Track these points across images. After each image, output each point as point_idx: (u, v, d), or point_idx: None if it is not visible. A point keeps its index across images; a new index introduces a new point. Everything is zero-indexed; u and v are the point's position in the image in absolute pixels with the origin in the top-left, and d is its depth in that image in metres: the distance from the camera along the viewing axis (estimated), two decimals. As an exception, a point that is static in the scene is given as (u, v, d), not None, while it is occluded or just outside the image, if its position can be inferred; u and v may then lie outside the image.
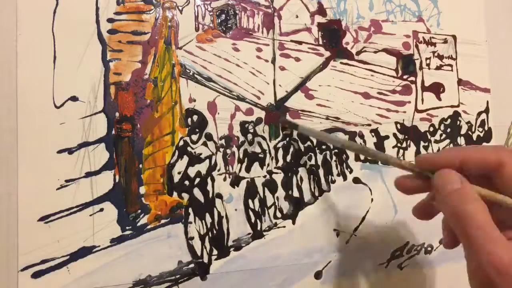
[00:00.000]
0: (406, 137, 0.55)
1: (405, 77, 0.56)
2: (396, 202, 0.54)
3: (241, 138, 0.48)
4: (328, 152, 0.51)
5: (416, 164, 0.36)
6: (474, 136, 0.59)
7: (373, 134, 0.54)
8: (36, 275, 0.40)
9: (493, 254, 0.28)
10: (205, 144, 0.46)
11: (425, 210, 0.39)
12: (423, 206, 0.39)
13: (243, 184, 0.48)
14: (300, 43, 0.52)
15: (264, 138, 0.49)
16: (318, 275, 0.50)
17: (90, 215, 0.42)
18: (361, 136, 0.53)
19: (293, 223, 0.49)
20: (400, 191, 0.38)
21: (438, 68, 0.58)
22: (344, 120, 0.53)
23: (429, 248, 0.55)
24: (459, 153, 0.33)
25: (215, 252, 0.46)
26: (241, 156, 0.48)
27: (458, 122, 0.59)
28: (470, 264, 0.32)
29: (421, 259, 0.55)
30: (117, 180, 0.43)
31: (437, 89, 0.58)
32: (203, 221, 0.46)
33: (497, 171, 0.31)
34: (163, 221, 0.44)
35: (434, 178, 0.33)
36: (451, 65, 0.59)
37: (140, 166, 0.44)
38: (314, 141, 0.51)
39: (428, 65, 0.58)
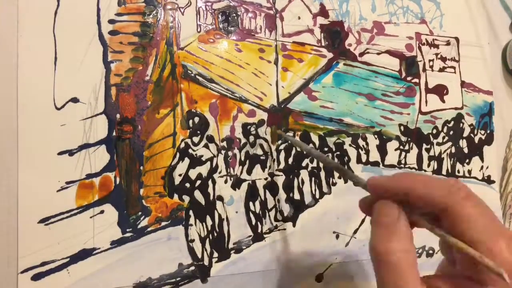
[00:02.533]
0: (409, 139, 0.55)
1: (408, 78, 0.56)
2: (396, 205, 0.54)
3: (243, 140, 0.48)
4: (330, 155, 0.51)
5: (368, 187, 0.32)
6: (476, 139, 0.59)
7: (376, 136, 0.53)
8: (36, 277, 0.40)
9: None
10: (206, 146, 0.46)
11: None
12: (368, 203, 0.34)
13: (244, 186, 0.47)
14: (302, 44, 0.51)
15: (266, 140, 0.48)
16: (319, 278, 0.50)
17: (91, 217, 0.42)
18: (364, 139, 0.53)
19: (294, 225, 0.49)
20: (361, 209, 0.35)
21: (441, 70, 0.58)
22: (347, 122, 0.52)
23: (430, 251, 0.55)
24: (407, 185, 0.29)
25: (215, 254, 0.46)
26: (242, 158, 0.47)
27: (461, 125, 0.58)
28: None
29: (422, 262, 0.55)
30: (117, 182, 0.43)
31: (440, 91, 0.58)
32: (204, 223, 0.46)
33: (443, 213, 0.28)
34: (163, 223, 0.44)
35: (375, 208, 0.31)
36: (454, 67, 0.59)
37: (141, 168, 0.44)
38: (316, 143, 0.51)
39: (431, 67, 0.57)
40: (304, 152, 0.50)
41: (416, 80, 0.56)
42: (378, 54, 0.55)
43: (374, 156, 0.53)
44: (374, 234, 0.29)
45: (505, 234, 0.26)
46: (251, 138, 0.48)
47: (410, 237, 0.28)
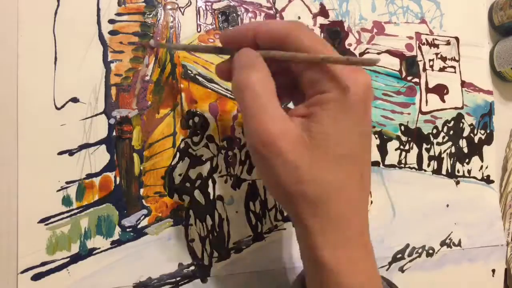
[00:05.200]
0: (409, 139, 0.55)
1: (409, 78, 0.56)
2: (394, 205, 0.54)
3: (243, 140, 0.48)
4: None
5: (220, 41, 0.35)
6: (476, 139, 0.59)
7: (376, 136, 0.53)
8: (36, 277, 0.40)
9: (262, 124, 0.28)
10: (206, 145, 0.46)
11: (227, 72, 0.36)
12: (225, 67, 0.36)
13: (245, 186, 0.47)
14: (302, 44, 0.51)
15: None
16: (319, 278, 0.50)
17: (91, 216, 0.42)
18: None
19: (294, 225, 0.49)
20: (219, 77, 0.37)
21: (442, 69, 0.58)
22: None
23: (430, 251, 0.55)
24: (252, 27, 0.32)
25: (215, 254, 0.46)
26: (242, 158, 0.47)
27: (461, 124, 0.58)
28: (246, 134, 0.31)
29: (422, 262, 0.55)
30: (117, 182, 0.43)
31: (441, 90, 0.58)
32: (204, 223, 0.46)
33: (285, 41, 0.30)
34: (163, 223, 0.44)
35: (234, 57, 0.33)
36: (454, 67, 0.59)
37: (141, 167, 0.44)
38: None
39: (431, 66, 0.57)
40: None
41: (416, 79, 0.56)
42: (378, 54, 0.55)
43: (375, 155, 0.53)
44: (235, 74, 0.31)
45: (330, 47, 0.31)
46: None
47: (268, 70, 0.30)
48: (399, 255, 0.53)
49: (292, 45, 0.30)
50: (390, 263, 0.53)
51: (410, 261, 0.54)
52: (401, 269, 0.54)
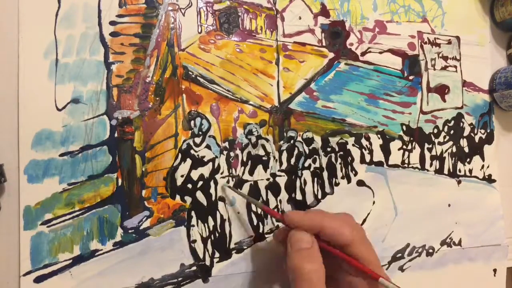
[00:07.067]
0: (411, 139, 0.55)
1: (410, 77, 0.56)
2: (397, 205, 0.54)
3: (245, 141, 0.48)
4: (333, 155, 0.51)
5: (285, 221, 0.40)
6: (476, 138, 0.59)
7: (379, 136, 0.53)
8: (38, 279, 0.40)
9: None
10: (208, 147, 0.46)
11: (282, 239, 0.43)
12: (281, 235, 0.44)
13: (246, 187, 0.47)
14: (303, 44, 0.51)
15: (268, 141, 0.48)
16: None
17: (93, 219, 0.42)
18: (367, 139, 0.53)
19: (296, 225, 0.49)
20: (275, 240, 0.45)
21: (443, 69, 0.58)
22: (350, 121, 0.52)
23: (430, 250, 0.55)
24: (319, 223, 0.39)
25: (217, 254, 0.46)
26: (244, 159, 0.47)
27: (461, 124, 0.58)
28: None
29: (422, 261, 0.55)
30: (119, 184, 0.43)
31: (442, 90, 0.58)
32: (206, 224, 0.46)
33: (345, 249, 0.39)
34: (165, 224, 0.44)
35: (289, 235, 0.40)
36: (455, 66, 0.59)
37: (143, 169, 0.44)
38: (319, 143, 0.51)
39: (433, 65, 0.57)
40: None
41: (418, 79, 0.56)
42: (380, 53, 0.54)
43: (378, 156, 0.53)
44: (293, 257, 0.38)
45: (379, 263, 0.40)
46: (253, 139, 0.48)
47: (320, 259, 0.38)
48: (399, 255, 0.54)
49: (350, 253, 0.38)
50: (389, 263, 0.53)
51: (410, 260, 0.54)
52: (401, 269, 0.54)
